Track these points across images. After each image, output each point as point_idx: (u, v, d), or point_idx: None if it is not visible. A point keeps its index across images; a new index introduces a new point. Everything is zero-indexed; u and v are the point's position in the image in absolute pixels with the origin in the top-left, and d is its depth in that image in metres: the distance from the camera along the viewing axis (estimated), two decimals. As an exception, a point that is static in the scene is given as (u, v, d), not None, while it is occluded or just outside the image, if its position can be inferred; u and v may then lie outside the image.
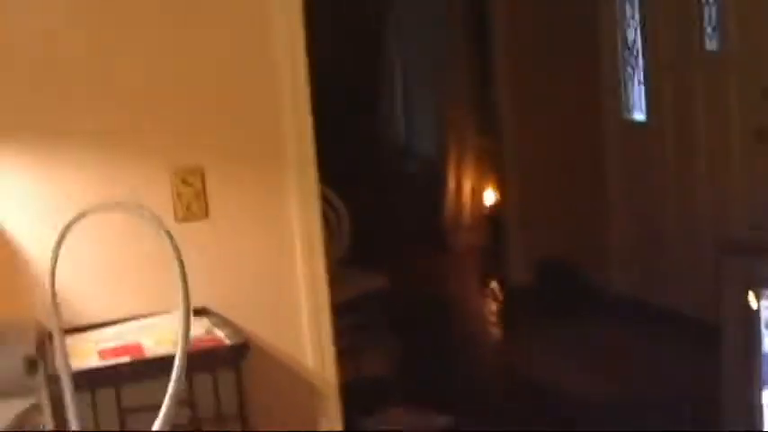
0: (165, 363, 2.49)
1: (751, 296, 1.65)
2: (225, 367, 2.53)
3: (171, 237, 1.38)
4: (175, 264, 1.35)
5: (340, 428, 3.27)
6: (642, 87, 6.88)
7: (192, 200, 3.05)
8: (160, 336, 2.65)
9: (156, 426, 1.31)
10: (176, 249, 1.37)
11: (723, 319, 1.69)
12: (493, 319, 7.35)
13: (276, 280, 3.18)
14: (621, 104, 7.08)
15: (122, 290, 3.04)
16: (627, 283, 7.09)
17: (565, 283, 7.35)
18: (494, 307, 7.55)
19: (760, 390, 1.66)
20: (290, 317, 3.19)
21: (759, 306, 1.66)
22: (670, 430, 4.79)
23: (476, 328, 7.23)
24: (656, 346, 6.04)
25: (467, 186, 9.15)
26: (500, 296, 7.70)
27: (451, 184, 9.22)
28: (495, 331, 7.13)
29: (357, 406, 4.81)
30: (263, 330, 3.11)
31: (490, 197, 8.59)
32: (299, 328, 3.19)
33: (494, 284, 7.88)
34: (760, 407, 1.67)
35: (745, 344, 1.68)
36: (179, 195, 3.06)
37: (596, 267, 7.28)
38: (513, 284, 7.73)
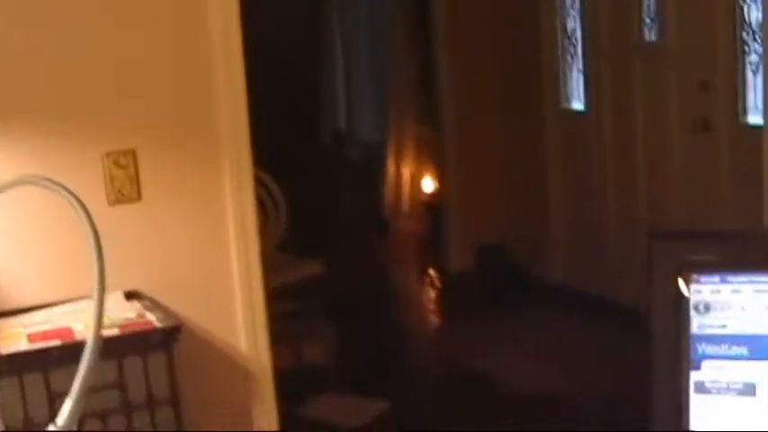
0: (94, 346, 2.48)
1: (681, 282, 1.66)
2: (156, 351, 2.50)
3: (88, 214, 1.34)
4: (93, 246, 1.30)
5: (274, 414, 3.25)
6: (581, 76, 6.91)
7: (125, 183, 3.01)
8: (89, 320, 2.61)
9: (61, 417, 1.27)
10: (92, 227, 1.33)
11: (654, 303, 1.69)
12: (431, 305, 7.36)
13: (210, 264, 3.15)
14: (561, 93, 7.11)
15: (52, 274, 2.99)
16: (565, 271, 7.13)
17: (503, 270, 7.38)
18: (432, 294, 7.57)
19: (688, 370, 1.68)
20: (224, 301, 3.16)
21: (689, 290, 1.66)
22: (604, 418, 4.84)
23: (414, 314, 7.24)
24: (592, 334, 6.08)
25: (407, 173, 9.15)
26: (438, 283, 7.71)
27: (391, 171, 9.21)
28: (434, 318, 7.15)
29: (293, 392, 4.79)
30: (196, 314, 3.08)
31: (430, 184, 8.59)
32: (233, 312, 3.16)
33: (432, 271, 7.89)
34: (687, 387, 1.68)
35: (675, 327, 1.69)
36: (111, 178, 3.01)
37: (535, 255, 7.31)
38: (452, 271, 7.74)
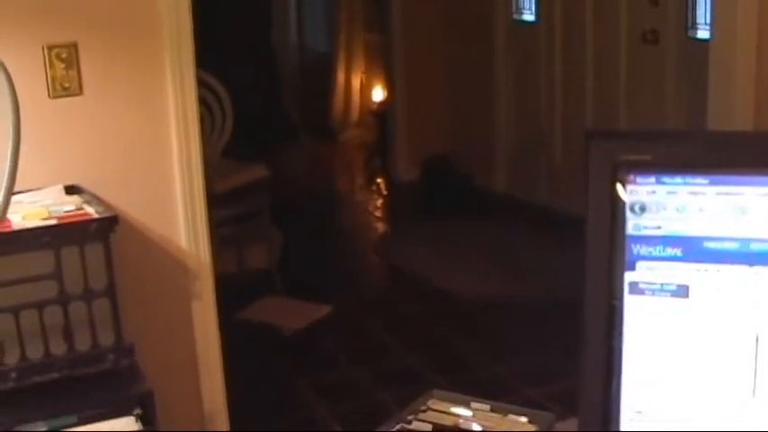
0: (32, 234, 2.47)
1: (616, 181, 1.67)
2: (93, 241, 2.48)
3: (11, 85, 1.29)
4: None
5: (213, 311, 3.25)
6: (533, -13, 6.89)
7: (66, 76, 2.97)
8: (28, 211, 2.59)
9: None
10: (14, 96, 1.29)
11: (589, 202, 1.70)
12: (377, 213, 7.38)
13: (152, 160, 3.11)
14: (511, 5, 7.08)
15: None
16: (510, 182, 7.17)
17: (449, 179, 7.40)
18: (378, 201, 7.58)
19: (622, 270, 1.69)
20: (166, 198, 3.13)
21: (625, 190, 1.67)
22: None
23: (359, 221, 7.26)
24: (535, 243, 6.13)
25: (355, 82, 9.12)
26: (384, 191, 7.72)
27: (340, 80, 9.18)
28: (379, 225, 7.17)
29: (236, 295, 4.82)
30: (137, 210, 3.06)
31: (378, 94, 8.57)
32: (174, 208, 3.14)
33: (379, 180, 7.90)
34: (621, 288, 1.70)
35: (610, 227, 1.70)
36: (52, 71, 2.96)
37: (481, 165, 7.34)
38: (398, 180, 7.76)
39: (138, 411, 2.53)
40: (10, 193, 1.21)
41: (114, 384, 2.58)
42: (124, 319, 2.61)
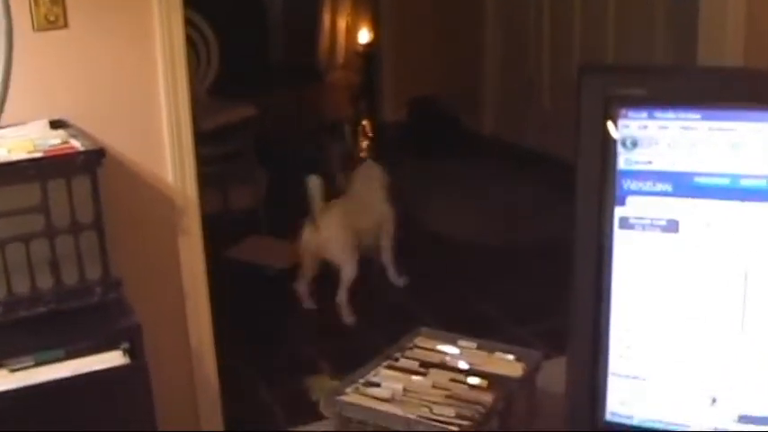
0: (18, 167, 2.45)
1: (608, 116, 1.66)
2: (80, 174, 2.46)
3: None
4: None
5: (200, 246, 3.24)
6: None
7: (51, 9, 2.93)
8: (13, 145, 2.57)
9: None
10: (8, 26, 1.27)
11: (581, 137, 1.69)
12: (363, 154, 7.35)
13: (138, 95, 3.08)
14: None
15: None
16: (498, 124, 7.15)
17: (435, 121, 7.38)
18: (364, 143, 7.56)
19: (612, 205, 1.69)
20: (152, 133, 3.11)
21: (616, 125, 1.67)
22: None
23: (345, 162, 7.23)
24: (522, 185, 6.13)
25: (341, 23, 9.06)
26: (371, 132, 7.70)
27: (326, 20, 9.12)
28: (365, 166, 7.15)
29: (221, 233, 4.80)
30: (123, 145, 3.04)
31: (365, 35, 8.52)
32: (161, 144, 3.12)
33: (365, 121, 7.88)
34: (611, 222, 1.69)
35: (601, 162, 1.70)
36: (36, 3, 2.93)
37: (467, 107, 7.32)
38: (385, 122, 7.74)
39: (125, 345, 2.53)
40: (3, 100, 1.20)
41: (101, 318, 2.57)
42: (111, 255, 2.60)
